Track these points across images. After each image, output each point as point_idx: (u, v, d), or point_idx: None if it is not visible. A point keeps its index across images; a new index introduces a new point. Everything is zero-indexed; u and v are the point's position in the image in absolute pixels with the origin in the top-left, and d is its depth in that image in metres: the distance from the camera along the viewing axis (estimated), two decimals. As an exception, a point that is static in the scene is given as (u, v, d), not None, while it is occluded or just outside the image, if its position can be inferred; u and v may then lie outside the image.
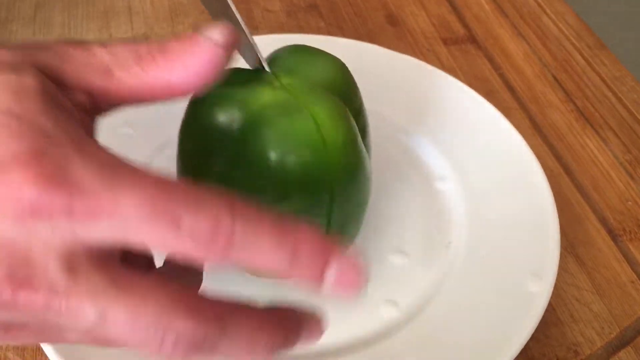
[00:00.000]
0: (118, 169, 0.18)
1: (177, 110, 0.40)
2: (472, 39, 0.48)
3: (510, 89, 0.45)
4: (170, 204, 0.18)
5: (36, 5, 0.50)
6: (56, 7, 0.50)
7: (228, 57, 0.23)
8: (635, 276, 0.34)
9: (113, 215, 0.18)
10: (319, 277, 0.20)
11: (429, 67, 0.42)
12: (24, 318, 0.18)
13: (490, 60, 0.47)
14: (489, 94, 0.44)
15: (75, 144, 0.18)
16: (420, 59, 0.43)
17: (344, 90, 0.28)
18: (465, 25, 0.50)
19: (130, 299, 0.18)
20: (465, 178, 0.36)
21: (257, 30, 0.48)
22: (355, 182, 0.26)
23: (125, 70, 0.22)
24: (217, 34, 0.22)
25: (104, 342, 0.19)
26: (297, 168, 0.24)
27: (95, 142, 0.19)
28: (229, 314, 0.20)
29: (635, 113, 0.43)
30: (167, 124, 0.39)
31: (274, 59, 0.29)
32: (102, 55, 0.22)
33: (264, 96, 0.25)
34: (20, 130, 0.18)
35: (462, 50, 0.47)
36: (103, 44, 0.22)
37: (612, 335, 0.32)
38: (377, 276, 0.33)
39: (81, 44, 0.22)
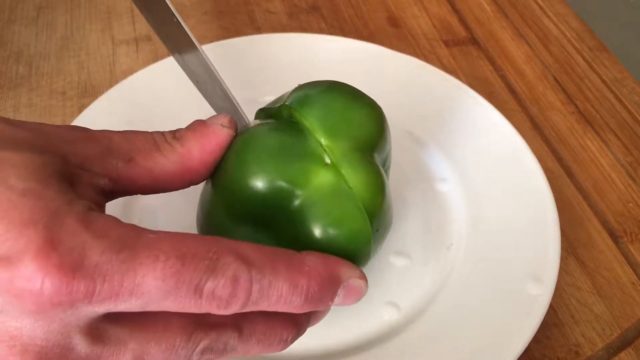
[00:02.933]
0: (135, 245, 0.18)
1: (179, 113, 0.40)
2: (473, 41, 0.49)
3: (511, 90, 0.45)
4: (190, 274, 0.19)
5: (39, 7, 0.50)
6: (59, 8, 0.50)
7: (232, 138, 0.25)
8: (636, 277, 0.35)
9: (134, 295, 0.18)
10: (329, 305, 0.22)
11: (431, 68, 0.42)
12: None
13: (492, 61, 0.47)
14: (490, 96, 0.44)
15: (91, 226, 0.18)
16: (422, 60, 0.44)
17: (378, 141, 0.27)
18: (467, 27, 0.50)
19: (158, 335, 0.20)
20: (466, 180, 0.36)
21: (259, 31, 0.48)
22: (383, 235, 0.27)
23: (146, 156, 0.23)
24: (223, 119, 0.24)
25: None
26: (345, 247, 0.25)
27: (108, 218, 0.19)
28: (242, 317, 0.21)
29: (636, 115, 0.43)
30: (165, 125, 0.39)
31: (306, 98, 0.27)
32: (120, 142, 0.23)
33: (318, 180, 0.25)
34: (33, 212, 0.18)
35: (463, 51, 0.48)
36: (120, 132, 0.23)
37: (613, 337, 0.32)
38: (378, 278, 0.33)
39: (99, 131, 0.23)
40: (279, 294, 0.20)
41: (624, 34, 0.53)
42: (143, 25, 0.49)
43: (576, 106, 0.44)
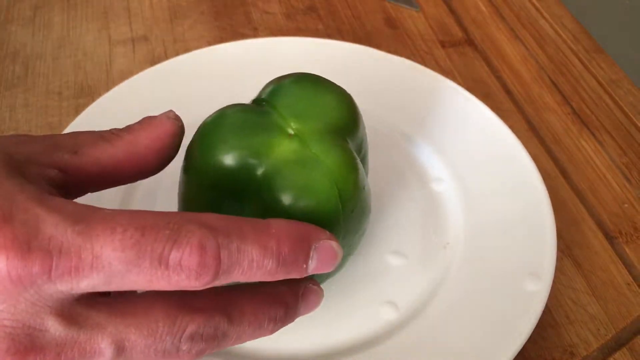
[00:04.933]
0: (91, 218, 0.18)
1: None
2: (470, 42, 0.49)
3: (508, 91, 0.45)
4: (150, 244, 0.18)
5: (35, 7, 0.50)
6: (55, 8, 0.50)
7: (182, 131, 0.25)
8: (631, 278, 0.35)
9: (95, 268, 0.18)
10: (303, 272, 0.22)
11: (427, 70, 0.42)
12: None
13: (488, 62, 0.47)
14: (486, 97, 0.44)
15: (43, 202, 0.18)
16: (418, 62, 0.44)
17: (350, 127, 0.28)
18: (463, 28, 0.50)
19: (138, 320, 0.19)
20: (462, 180, 0.37)
21: (256, 32, 0.49)
22: (359, 219, 0.27)
23: (92, 146, 0.23)
24: (169, 112, 0.25)
25: None
26: (312, 217, 0.25)
27: (62, 199, 0.19)
28: (229, 301, 0.21)
29: (631, 116, 0.43)
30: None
31: (277, 89, 0.28)
32: (66, 139, 0.23)
33: (282, 149, 0.25)
34: None
35: (460, 52, 0.48)
36: (65, 133, 0.24)
37: (608, 337, 0.32)
38: (375, 277, 0.33)
39: (43, 135, 0.23)
40: (250, 259, 0.20)
41: (620, 35, 0.53)
42: (140, 26, 0.49)
43: (572, 107, 0.44)
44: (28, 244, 0.17)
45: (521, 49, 0.48)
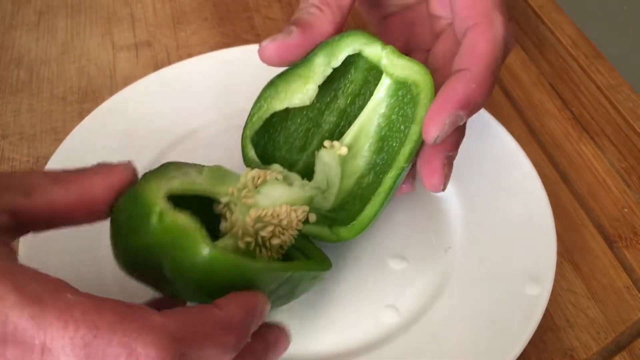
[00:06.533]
0: (48, 304, 0.18)
1: (175, 124, 0.41)
2: (471, 47, 0.49)
3: (508, 96, 0.45)
4: (102, 349, 0.18)
5: (40, 12, 0.51)
6: (60, 13, 0.51)
7: (136, 180, 0.25)
8: (630, 282, 0.35)
9: (45, 358, 0.18)
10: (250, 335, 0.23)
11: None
12: None
13: (488, 68, 0.47)
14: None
15: (6, 275, 0.18)
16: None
17: None
18: (464, 34, 0.50)
19: None
20: (464, 184, 0.37)
21: (258, 38, 0.49)
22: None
23: (45, 189, 0.23)
24: (126, 163, 0.25)
25: None
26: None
27: (26, 269, 0.19)
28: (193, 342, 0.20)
29: (631, 121, 0.43)
30: (163, 135, 0.40)
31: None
32: (18, 179, 0.23)
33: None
34: None
35: (461, 58, 0.48)
36: (18, 172, 0.24)
37: (608, 340, 0.33)
38: (377, 281, 0.33)
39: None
40: (209, 356, 0.20)
41: (620, 41, 0.54)
42: (143, 31, 0.49)
43: (572, 112, 0.44)
44: None
45: (521, 54, 0.48)
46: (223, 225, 0.28)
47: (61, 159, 0.36)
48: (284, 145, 0.35)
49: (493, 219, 0.35)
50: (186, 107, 0.41)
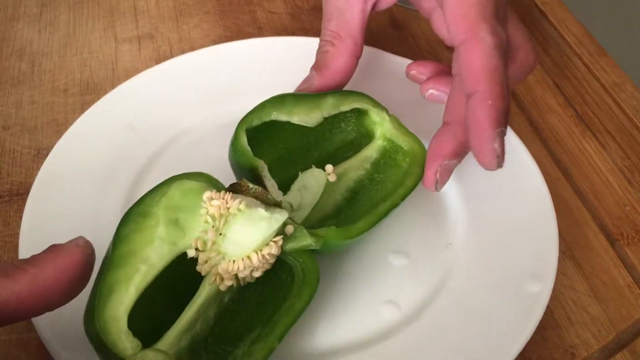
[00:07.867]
0: None
1: (179, 116, 0.41)
2: (474, 44, 0.49)
3: (511, 93, 0.45)
4: None
5: (42, 4, 0.51)
6: (62, 6, 0.51)
7: (93, 259, 0.24)
8: (632, 280, 0.35)
9: None
10: None
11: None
12: None
13: (492, 64, 0.47)
14: (490, 98, 0.44)
15: None
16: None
17: None
18: (467, 30, 0.50)
19: None
20: (465, 181, 0.37)
21: (261, 31, 0.49)
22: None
23: None
24: (78, 240, 0.24)
25: None
26: None
27: None
28: None
29: (634, 119, 0.43)
30: (165, 128, 0.40)
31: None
32: None
33: None
34: None
35: (464, 54, 0.48)
36: None
37: (609, 338, 0.33)
38: (378, 277, 0.33)
39: None
40: None
41: (624, 38, 0.53)
42: (145, 23, 0.49)
43: (575, 110, 0.44)
44: None
45: (525, 51, 0.48)
46: (199, 268, 0.27)
47: (62, 150, 0.36)
48: (273, 150, 0.35)
49: (495, 216, 0.35)
50: (188, 99, 0.41)
